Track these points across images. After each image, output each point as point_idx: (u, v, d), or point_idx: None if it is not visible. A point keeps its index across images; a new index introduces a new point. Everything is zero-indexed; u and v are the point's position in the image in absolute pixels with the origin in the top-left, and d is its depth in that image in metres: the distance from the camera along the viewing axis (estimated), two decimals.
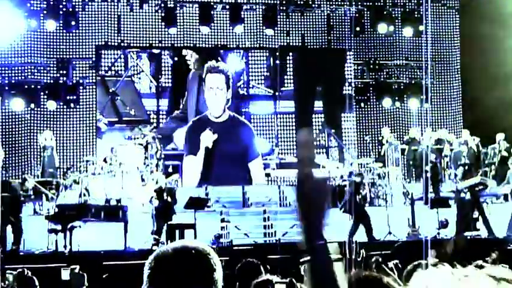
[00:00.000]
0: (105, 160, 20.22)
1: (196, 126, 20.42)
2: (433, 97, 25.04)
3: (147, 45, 23.56)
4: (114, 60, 23.53)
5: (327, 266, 2.27)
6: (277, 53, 24.27)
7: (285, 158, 23.33)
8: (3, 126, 21.90)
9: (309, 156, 2.40)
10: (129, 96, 23.38)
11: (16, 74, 22.65)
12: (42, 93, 22.44)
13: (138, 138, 20.95)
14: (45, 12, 22.14)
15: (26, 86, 22.21)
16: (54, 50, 22.88)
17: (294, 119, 24.21)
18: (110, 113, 23.14)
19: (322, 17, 24.68)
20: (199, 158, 20.06)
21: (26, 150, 22.31)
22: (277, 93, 24.19)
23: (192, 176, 20.22)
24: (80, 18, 22.74)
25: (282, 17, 24.05)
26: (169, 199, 16.60)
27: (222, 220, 17.48)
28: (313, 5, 24.32)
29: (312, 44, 24.63)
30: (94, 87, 23.05)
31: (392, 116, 25.02)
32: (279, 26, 23.92)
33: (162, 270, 2.41)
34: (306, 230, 2.32)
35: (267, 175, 22.06)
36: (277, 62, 24.20)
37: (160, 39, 23.53)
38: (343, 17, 24.57)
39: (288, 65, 24.49)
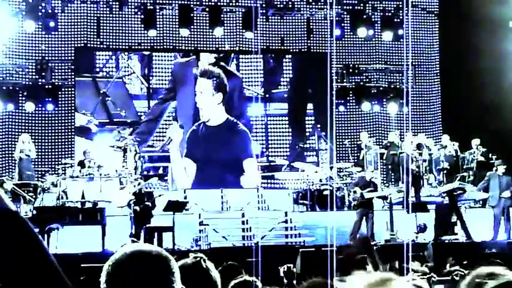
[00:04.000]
0: (80, 163, 20.22)
1: (196, 131, 20.50)
2: (412, 101, 25.19)
3: (127, 47, 23.60)
4: (106, 61, 23.56)
5: None
6: (272, 55, 24.54)
7: (275, 160, 23.46)
8: None
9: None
10: (120, 97, 23.40)
11: None
12: (20, 95, 22.37)
13: (118, 141, 20.95)
14: (24, 13, 22.06)
15: (4, 88, 22.09)
16: (33, 51, 22.83)
17: (285, 121, 24.43)
18: (101, 114, 23.15)
19: (302, 21, 24.81)
20: (177, 158, 20.10)
21: (3, 153, 22.24)
22: (267, 95, 24.38)
23: (182, 176, 20.27)
24: (59, 20, 22.69)
25: (262, 20, 24.15)
26: (148, 202, 16.64)
27: (201, 223, 17.54)
28: (293, 9, 24.44)
29: (292, 47, 24.76)
30: (73, 89, 23.03)
31: (371, 120, 25.18)
32: (258, 29, 24.01)
33: (119, 274, 2.39)
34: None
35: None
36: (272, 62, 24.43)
37: (139, 41, 23.55)
38: (322, 21, 24.70)
39: (278, 68, 24.74)
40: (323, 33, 24.62)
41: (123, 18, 23.44)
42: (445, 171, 21.89)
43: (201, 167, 20.08)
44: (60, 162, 21.23)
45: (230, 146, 19.77)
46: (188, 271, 2.45)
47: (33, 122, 22.63)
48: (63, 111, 22.89)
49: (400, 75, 25.10)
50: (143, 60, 24.06)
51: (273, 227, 18.05)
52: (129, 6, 23.26)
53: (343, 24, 24.42)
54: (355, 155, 23.27)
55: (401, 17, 24.03)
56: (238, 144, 20.08)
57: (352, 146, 23.77)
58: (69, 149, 22.69)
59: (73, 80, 23.10)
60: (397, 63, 25.29)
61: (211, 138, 20.01)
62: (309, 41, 24.82)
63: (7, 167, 21.73)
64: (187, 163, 19.50)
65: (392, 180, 22.44)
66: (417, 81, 25.65)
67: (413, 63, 25.41)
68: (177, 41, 23.72)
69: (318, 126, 24.59)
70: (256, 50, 24.30)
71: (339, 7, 24.20)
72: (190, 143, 20.17)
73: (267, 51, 24.53)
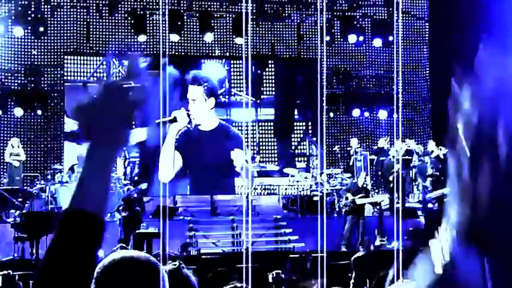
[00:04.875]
0: (71, 168, 20.20)
1: (187, 132, 20.38)
2: (402, 107, 25.28)
3: (117, 52, 23.61)
4: (97, 66, 23.54)
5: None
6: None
7: (266, 166, 23.48)
8: None
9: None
10: None
11: None
12: (9, 100, 22.35)
13: None
14: (13, 18, 22.04)
15: None
16: (23, 56, 22.82)
17: (274, 126, 24.53)
18: None
19: (292, 27, 24.89)
20: (170, 143, 19.68)
21: None
22: (258, 101, 24.42)
23: (169, 167, 19.96)
24: (49, 25, 22.70)
25: (252, 26, 24.20)
26: (137, 208, 16.66)
27: (190, 229, 17.56)
28: (284, 14, 24.52)
29: (282, 53, 24.83)
30: (63, 94, 23.01)
31: (361, 126, 25.26)
32: (248, 35, 24.05)
33: (108, 280, 2.39)
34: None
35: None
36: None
37: (129, 46, 23.56)
38: (313, 27, 24.78)
39: (267, 73, 24.83)
40: (313, 39, 24.70)
41: (113, 24, 23.46)
42: (433, 178, 21.95)
43: (192, 171, 19.96)
44: (49, 168, 21.21)
45: (223, 150, 19.67)
46: (168, 278, 2.47)
47: (22, 127, 22.60)
48: (52, 117, 22.87)
49: (390, 81, 25.19)
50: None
51: (263, 233, 18.10)
52: (119, 12, 23.29)
53: (333, 31, 24.49)
54: (345, 161, 23.35)
55: (391, 23, 24.13)
56: (232, 148, 20.00)
57: (342, 152, 23.84)
58: (59, 155, 22.66)
59: (63, 85, 23.09)
60: (387, 69, 25.38)
61: (204, 143, 19.90)
62: (299, 47, 24.90)
63: None
64: (177, 155, 19.28)
65: (382, 186, 22.51)
66: (407, 87, 25.74)
67: (403, 69, 25.51)
68: (167, 47, 23.74)
69: (310, 131, 24.66)
70: (246, 55, 24.36)
71: (329, 13, 24.28)
72: (180, 142, 19.99)
73: (257, 56, 24.57)
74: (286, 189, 22.04)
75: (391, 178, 20.28)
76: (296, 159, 24.53)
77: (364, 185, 18.69)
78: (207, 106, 20.06)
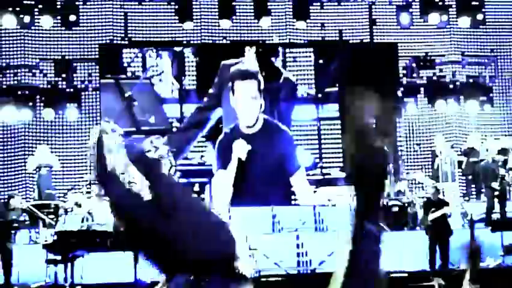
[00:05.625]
0: None
1: (229, 138, 20.28)
2: (495, 98, 24.96)
3: (159, 42, 23.75)
4: (131, 59, 23.67)
5: (371, 257, 2.19)
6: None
7: (330, 172, 23.24)
8: None
9: (364, 124, 2.29)
10: (148, 101, 23.37)
11: (7, 78, 22.85)
12: (38, 100, 22.63)
13: (149, 151, 20.94)
14: (40, 6, 22.30)
15: (19, 92, 22.38)
16: (51, 50, 23.10)
17: (339, 126, 24.34)
18: (126, 122, 23.11)
19: (363, 8, 24.76)
20: (231, 172, 19.83)
21: (19, 169, 22.50)
22: (319, 95, 24.30)
23: (222, 193, 20.07)
24: (81, 14, 22.92)
25: (315, 7, 24.16)
26: None
27: (249, 248, 17.56)
28: None
29: (351, 38, 24.72)
30: (98, 92, 23.21)
31: (447, 122, 24.96)
32: (311, 18, 24.02)
33: None
34: (359, 208, 2.25)
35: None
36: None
37: (173, 35, 23.71)
38: (387, 7, 24.61)
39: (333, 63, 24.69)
40: (388, 21, 24.55)
41: (154, 10, 23.63)
42: None
43: (240, 181, 19.89)
44: (85, 179, 21.39)
45: (273, 153, 19.50)
46: None
47: (53, 132, 22.84)
48: (87, 119, 23.07)
49: (481, 67, 24.88)
50: (174, 58, 24.07)
51: (333, 251, 18.01)
52: None
53: (411, 10, 24.29)
54: (429, 163, 23.12)
55: None
56: (282, 148, 19.82)
57: (425, 152, 23.61)
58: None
59: (98, 82, 23.28)
60: (476, 53, 25.08)
61: (252, 149, 19.80)
62: (371, 30, 24.76)
63: (24, 185, 21.99)
64: (228, 178, 19.26)
65: (474, 193, 22.20)
66: (501, 74, 25.41)
67: (496, 53, 25.19)
68: (217, 34, 23.85)
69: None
70: (308, 42, 24.32)
71: None
72: (221, 152, 19.92)
73: (321, 43, 24.49)
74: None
75: (494, 185, 19.92)
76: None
77: (437, 197, 18.40)
78: (261, 105, 19.93)
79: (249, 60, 21.90)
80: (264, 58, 22.78)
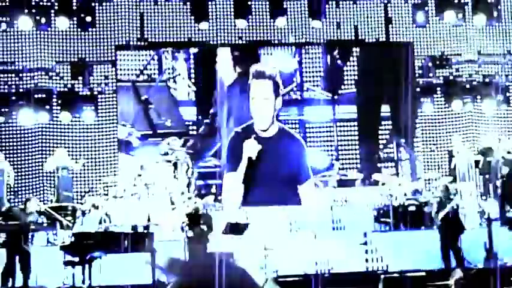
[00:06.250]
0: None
1: (241, 137, 20.32)
2: (511, 97, 24.88)
3: (175, 43, 23.76)
4: (147, 62, 23.64)
5: None
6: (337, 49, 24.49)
7: (347, 174, 23.19)
8: (10, 143, 22.23)
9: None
10: (164, 104, 23.29)
11: (24, 82, 22.89)
12: (54, 103, 22.71)
13: (166, 154, 20.96)
14: (56, 8, 22.37)
15: (36, 95, 22.44)
16: (68, 52, 23.14)
17: (356, 127, 24.33)
18: (143, 125, 23.05)
19: (379, 6, 24.72)
20: (240, 172, 19.83)
21: (37, 172, 22.56)
22: (335, 97, 24.23)
23: (233, 194, 20.07)
24: (97, 15, 22.99)
25: (331, 6, 24.16)
26: (203, 226, 16.71)
27: (265, 248, 17.57)
28: None
29: (367, 37, 24.67)
30: (115, 95, 23.25)
31: (464, 121, 24.88)
32: (327, 17, 24.01)
33: None
34: None
35: None
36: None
37: (189, 36, 23.72)
38: (403, 5, 24.57)
39: (348, 63, 24.68)
40: (404, 19, 24.50)
41: (170, 11, 23.65)
42: None
43: (249, 180, 19.90)
44: (102, 181, 21.43)
45: (287, 159, 19.56)
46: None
47: (70, 135, 22.87)
48: (104, 121, 23.10)
49: (498, 66, 24.80)
50: (190, 60, 24.05)
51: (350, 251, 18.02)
52: None
53: (426, 8, 24.24)
54: (446, 163, 23.06)
55: None
56: (295, 156, 19.86)
57: (441, 152, 23.55)
58: (112, 166, 22.87)
59: (114, 84, 23.31)
60: (493, 52, 24.98)
61: (265, 151, 19.83)
62: (387, 29, 24.71)
63: (41, 187, 22.05)
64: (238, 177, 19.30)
65: (491, 192, 22.13)
66: None
67: None
68: (233, 35, 23.86)
69: (401, 130, 24.38)
70: (325, 42, 24.31)
71: None
72: (232, 151, 19.88)
73: (336, 43, 24.48)
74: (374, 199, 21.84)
75: (498, 183, 19.93)
76: (381, 164, 24.05)
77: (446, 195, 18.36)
78: (276, 105, 19.96)
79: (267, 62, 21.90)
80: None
